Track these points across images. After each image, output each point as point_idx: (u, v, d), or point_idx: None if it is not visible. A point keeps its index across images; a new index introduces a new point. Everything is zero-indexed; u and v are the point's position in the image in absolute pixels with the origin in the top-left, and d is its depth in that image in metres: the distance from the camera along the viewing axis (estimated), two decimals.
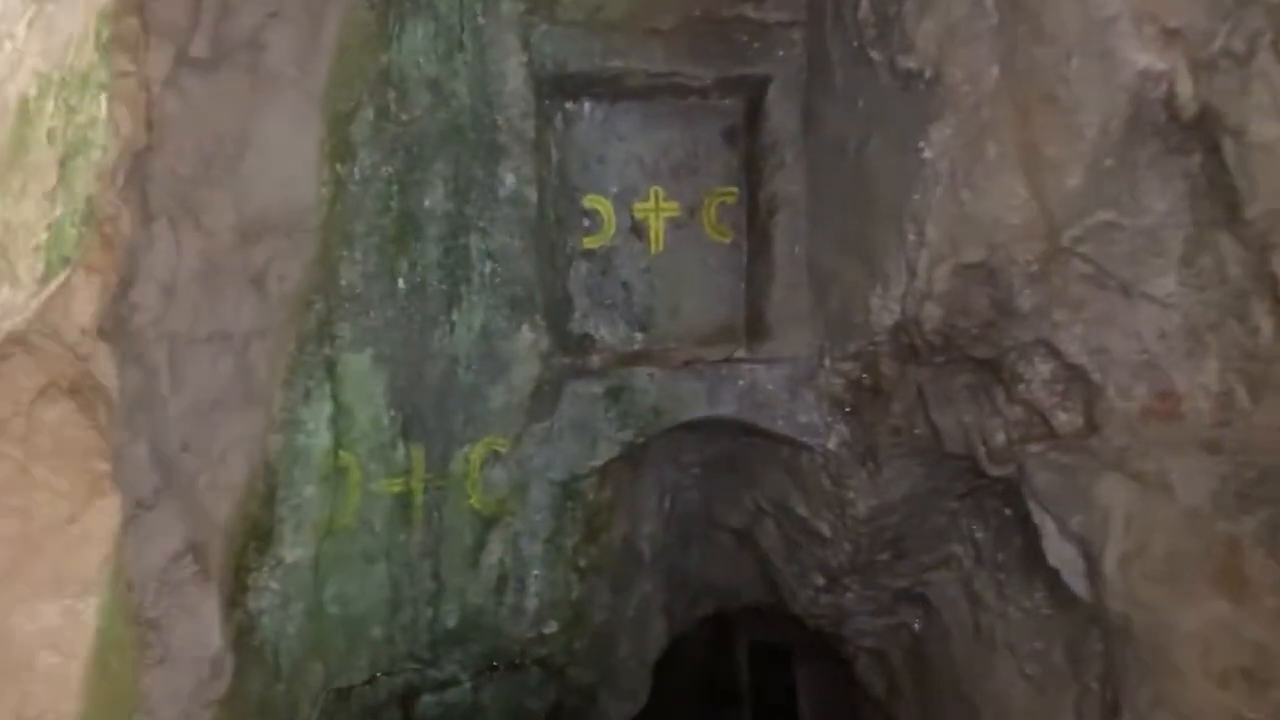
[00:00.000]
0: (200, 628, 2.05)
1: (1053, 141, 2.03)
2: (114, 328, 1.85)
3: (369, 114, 2.48)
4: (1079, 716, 2.42)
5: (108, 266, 1.52)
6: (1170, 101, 1.91)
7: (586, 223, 3.04)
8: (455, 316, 2.64)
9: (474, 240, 2.67)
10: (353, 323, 2.48)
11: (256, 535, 2.34)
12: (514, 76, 2.70)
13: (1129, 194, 2.00)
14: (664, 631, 3.46)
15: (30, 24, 0.82)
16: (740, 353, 2.97)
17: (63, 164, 0.97)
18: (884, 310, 2.47)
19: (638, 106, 3.04)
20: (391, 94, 2.52)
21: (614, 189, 3.05)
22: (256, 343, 2.28)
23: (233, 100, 2.21)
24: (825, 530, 2.99)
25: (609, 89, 2.96)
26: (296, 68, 2.32)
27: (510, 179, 2.71)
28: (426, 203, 2.60)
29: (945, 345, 2.36)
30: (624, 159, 3.06)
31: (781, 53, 2.90)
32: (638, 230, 3.08)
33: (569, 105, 3.00)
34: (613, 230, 3.05)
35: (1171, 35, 1.86)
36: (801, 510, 3.03)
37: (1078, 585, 2.28)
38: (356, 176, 2.46)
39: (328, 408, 2.44)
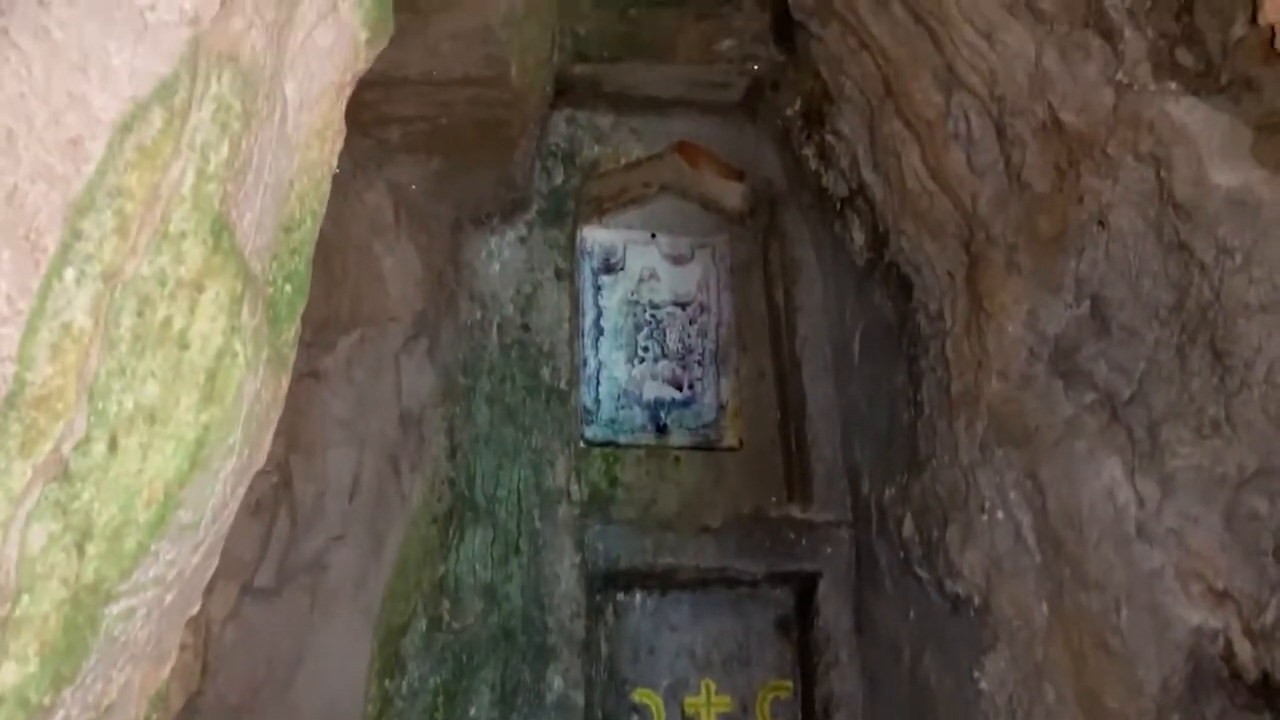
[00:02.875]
0: None
1: (1113, 694, 1.96)
2: None
3: (421, 625, 2.52)
4: None
5: None
6: (1230, 659, 1.85)
7: (636, 719, 2.95)
8: None
9: None
10: None
11: None
12: (567, 578, 2.76)
13: None
14: None
15: None
16: None
17: None
18: None
19: (689, 596, 3.06)
20: (446, 604, 2.57)
21: (664, 682, 2.99)
22: None
23: (290, 623, 2.27)
24: None
25: (661, 581, 3.00)
26: (355, 585, 2.40)
27: (558, 683, 2.68)
28: (472, 711, 2.56)
29: None
30: (675, 650, 3.03)
31: (830, 550, 2.95)
32: None
33: (620, 596, 3.03)
34: None
35: (1221, 596, 1.84)
36: None
37: None
38: (404, 690, 2.45)
39: None
